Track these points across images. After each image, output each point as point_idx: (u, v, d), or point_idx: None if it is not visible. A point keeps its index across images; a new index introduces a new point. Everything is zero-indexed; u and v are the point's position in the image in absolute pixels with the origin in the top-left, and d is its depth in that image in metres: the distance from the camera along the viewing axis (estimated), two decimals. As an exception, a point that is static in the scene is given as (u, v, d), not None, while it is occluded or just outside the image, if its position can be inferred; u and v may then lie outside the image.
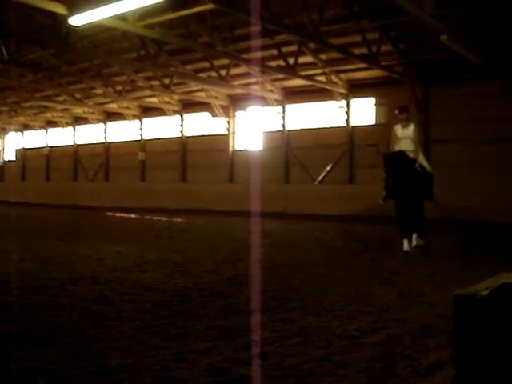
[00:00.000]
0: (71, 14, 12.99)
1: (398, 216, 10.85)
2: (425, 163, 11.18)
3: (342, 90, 23.63)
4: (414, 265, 9.16)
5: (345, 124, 24.20)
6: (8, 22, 18.01)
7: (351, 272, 8.55)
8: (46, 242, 12.57)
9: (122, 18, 14.11)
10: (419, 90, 21.61)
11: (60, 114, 35.95)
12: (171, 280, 7.87)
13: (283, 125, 26.31)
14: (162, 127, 32.19)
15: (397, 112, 11.28)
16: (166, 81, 25.24)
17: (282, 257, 10.45)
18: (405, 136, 11.03)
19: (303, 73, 21.75)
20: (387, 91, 22.44)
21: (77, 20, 13.19)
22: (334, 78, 23.18)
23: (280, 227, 17.20)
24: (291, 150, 25.94)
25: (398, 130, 11.12)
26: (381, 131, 20.73)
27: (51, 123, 38.75)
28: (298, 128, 26.01)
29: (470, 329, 2.49)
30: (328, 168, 24.62)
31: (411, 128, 11.05)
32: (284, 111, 26.27)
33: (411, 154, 10.78)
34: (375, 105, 23.69)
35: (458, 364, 2.54)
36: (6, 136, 43.94)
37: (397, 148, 10.90)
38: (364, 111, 24.07)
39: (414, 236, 10.61)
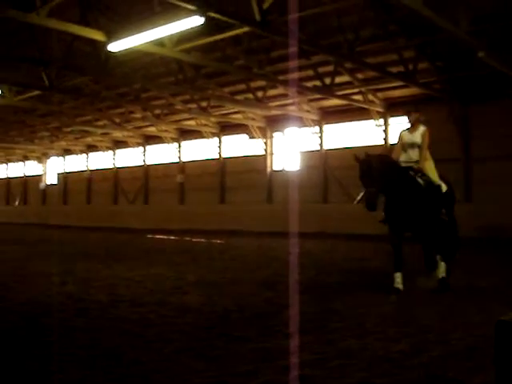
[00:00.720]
0: (110, 40, 13.26)
1: (391, 243, 8.82)
2: (432, 175, 9.02)
3: (380, 109, 23.51)
4: (456, 286, 8.97)
5: (383, 142, 24.03)
6: (49, 50, 18.46)
7: (392, 293, 8.42)
8: (88, 264, 12.72)
9: (160, 43, 14.34)
10: (458, 106, 21.37)
11: (100, 138, 36.55)
12: (211, 302, 7.87)
13: (321, 144, 26.26)
14: (200, 149, 32.46)
15: (407, 117, 9.46)
16: (204, 104, 25.52)
17: (322, 277, 10.38)
18: (411, 142, 9.08)
19: (340, 92, 21.73)
20: (425, 109, 22.18)
21: (115, 46, 13.46)
22: (371, 97, 23.09)
23: (319, 247, 17.10)
24: (329, 169, 25.84)
25: (405, 135, 9.23)
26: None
27: (91, 147, 39.42)
28: (336, 147, 25.91)
29: (513, 354, 2.44)
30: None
31: (419, 132, 9.09)
32: (321, 131, 26.23)
33: (417, 165, 8.93)
34: (413, 123, 23.46)
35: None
36: (48, 160, 44.83)
37: (402, 158, 9.11)
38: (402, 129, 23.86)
39: (439, 261, 8.88)
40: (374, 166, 8.14)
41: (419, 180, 8.73)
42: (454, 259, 9.41)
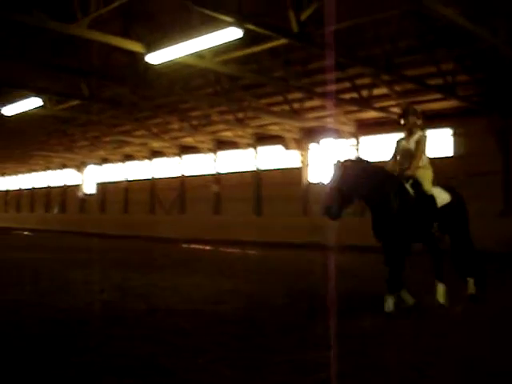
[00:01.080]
0: (149, 52, 13.44)
1: (386, 262, 8.08)
2: (426, 183, 7.91)
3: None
4: (495, 304, 8.78)
5: (420, 155, 23.75)
6: (90, 61, 18.79)
7: (428, 307, 8.29)
8: (124, 273, 12.84)
9: (199, 55, 14.47)
10: (498, 119, 21.05)
11: (138, 148, 36.98)
12: (246, 312, 7.87)
13: (357, 157, 26.10)
14: (236, 160, 32.59)
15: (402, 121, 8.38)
16: (240, 115, 25.63)
17: (359, 291, 10.29)
18: (406, 149, 8.17)
19: (377, 105, 21.62)
20: (465, 122, 21.99)
21: (154, 58, 13.64)
22: (408, 109, 22.89)
23: (356, 260, 16.96)
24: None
25: (400, 143, 8.36)
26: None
27: (129, 157, 39.93)
28: (373, 160, 25.70)
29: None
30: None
31: (414, 138, 8.11)
32: (358, 143, 26.10)
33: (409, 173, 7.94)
34: (452, 136, 23.19)
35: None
36: (86, 170, 45.50)
37: (397, 168, 8.20)
38: (441, 142, 23.59)
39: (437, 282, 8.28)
40: (349, 171, 7.52)
41: (408, 187, 7.77)
42: (477, 278, 8.54)
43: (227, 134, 30.35)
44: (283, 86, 19.66)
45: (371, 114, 23.76)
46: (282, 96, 22.80)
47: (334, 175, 7.65)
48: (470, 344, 5.98)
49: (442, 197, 8.11)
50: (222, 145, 32.79)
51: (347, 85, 20.56)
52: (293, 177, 28.77)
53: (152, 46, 13.42)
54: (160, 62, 14.05)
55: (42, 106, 20.47)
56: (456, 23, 12.09)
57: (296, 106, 23.12)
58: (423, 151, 8.06)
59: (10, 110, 20.17)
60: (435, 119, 23.02)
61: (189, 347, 5.82)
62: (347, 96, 21.28)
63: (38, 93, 19.05)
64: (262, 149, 30.99)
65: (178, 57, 13.59)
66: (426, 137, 8.15)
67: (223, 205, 32.90)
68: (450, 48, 16.88)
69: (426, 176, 8.00)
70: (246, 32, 11.95)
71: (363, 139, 26.08)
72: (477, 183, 19.38)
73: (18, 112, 20.30)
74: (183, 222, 33.66)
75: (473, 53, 17.29)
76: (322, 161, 28.08)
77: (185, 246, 24.94)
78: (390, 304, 7.54)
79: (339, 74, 18.71)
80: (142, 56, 14.17)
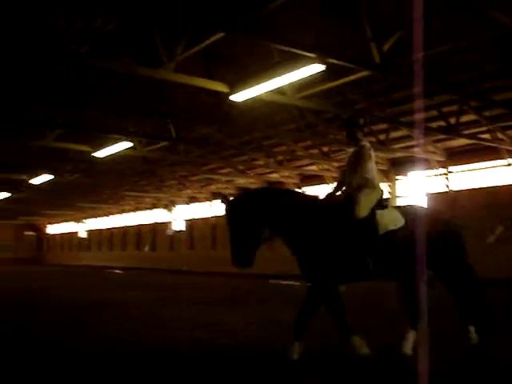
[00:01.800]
0: (233, 91, 13.65)
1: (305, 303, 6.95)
2: (362, 206, 6.53)
3: (510, 147, 22.47)
4: None
5: (515, 182, 22.88)
6: (176, 103, 19.30)
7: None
8: (213, 308, 12.95)
9: (280, 91, 14.57)
10: None
11: (224, 186, 37.47)
12: (334, 350, 7.69)
13: (448, 186, 25.42)
14: (321, 194, 32.38)
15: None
16: (325, 148, 25.54)
17: (435, 327, 9.85)
18: (348, 165, 7.19)
19: (466, 132, 21.02)
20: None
21: (237, 96, 13.83)
22: (500, 135, 22.15)
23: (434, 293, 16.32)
24: (458, 211, 24.84)
25: (346, 156, 7.46)
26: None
27: (216, 194, 40.52)
28: (464, 188, 24.99)
29: None
30: (500, 229, 23.22)
31: (354, 151, 7.07)
32: (448, 172, 25.43)
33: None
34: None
35: None
36: (175, 208, 46.48)
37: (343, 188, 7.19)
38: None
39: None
40: (246, 207, 6.43)
41: (336, 212, 6.66)
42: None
43: (313, 168, 30.30)
44: (367, 117, 19.41)
45: (460, 142, 23.13)
46: (367, 127, 22.55)
47: (229, 215, 6.55)
48: None
49: (388, 220, 6.54)
50: (307, 179, 32.76)
51: (434, 113, 20.11)
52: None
53: (235, 86, 13.61)
54: (242, 100, 14.21)
55: (132, 147, 21.12)
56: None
57: (381, 136, 22.82)
58: (362, 165, 6.83)
59: (102, 153, 20.92)
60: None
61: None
62: (434, 124, 20.79)
63: (128, 136, 19.66)
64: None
65: (260, 93, 13.71)
66: (366, 148, 6.93)
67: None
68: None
69: (368, 199, 6.63)
70: (328, 66, 11.92)
71: (453, 168, 25.39)
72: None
73: (109, 154, 21.01)
74: (270, 256, 33.57)
75: None
76: (411, 191, 27.48)
77: (272, 281, 24.86)
78: (291, 351, 6.45)
79: (424, 102, 18.35)
80: (225, 95, 14.39)
